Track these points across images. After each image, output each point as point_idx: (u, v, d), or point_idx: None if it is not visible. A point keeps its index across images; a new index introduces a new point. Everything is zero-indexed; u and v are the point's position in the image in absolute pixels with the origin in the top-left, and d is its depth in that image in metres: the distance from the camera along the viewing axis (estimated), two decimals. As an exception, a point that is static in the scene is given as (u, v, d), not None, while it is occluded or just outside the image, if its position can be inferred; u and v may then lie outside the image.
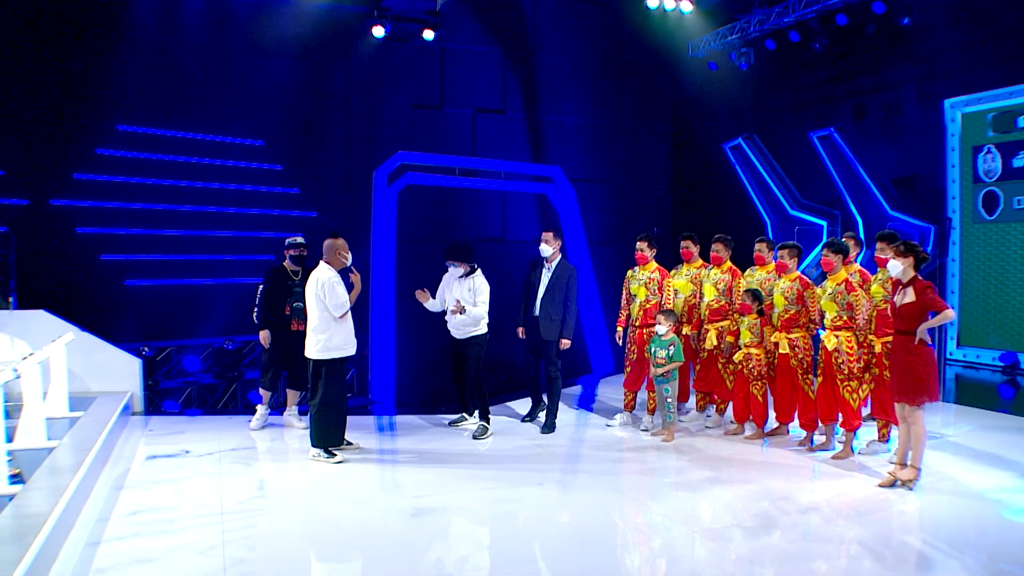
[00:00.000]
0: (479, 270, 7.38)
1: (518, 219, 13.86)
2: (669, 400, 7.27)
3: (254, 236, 11.14)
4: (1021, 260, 9.66)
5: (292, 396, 7.82)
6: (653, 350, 7.35)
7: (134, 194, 10.13)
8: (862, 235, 11.68)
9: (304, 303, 7.41)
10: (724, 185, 13.69)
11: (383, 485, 6.01)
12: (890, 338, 6.39)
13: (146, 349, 9.23)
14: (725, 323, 7.65)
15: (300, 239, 7.75)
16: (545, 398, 7.86)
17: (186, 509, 5.34)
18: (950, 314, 5.54)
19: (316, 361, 6.45)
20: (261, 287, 7.62)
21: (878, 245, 6.56)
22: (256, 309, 7.61)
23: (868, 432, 6.96)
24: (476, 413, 7.50)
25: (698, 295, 7.87)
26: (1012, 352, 9.67)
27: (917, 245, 5.75)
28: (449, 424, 7.75)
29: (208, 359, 10.07)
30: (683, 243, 8.05)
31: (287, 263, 7.67)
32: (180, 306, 10.34)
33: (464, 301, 7.20)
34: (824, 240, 12.05)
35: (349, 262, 6.72)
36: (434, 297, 7.55)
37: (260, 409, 7.67)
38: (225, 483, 5.92)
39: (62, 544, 4.43)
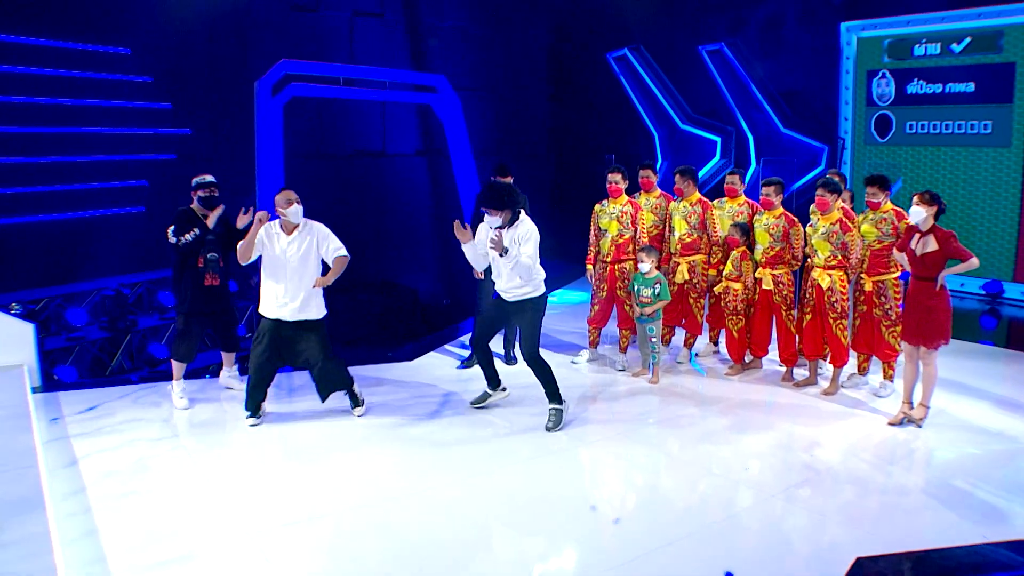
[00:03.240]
0: (523, 215, 5.78)
1: (399, 131, 12.76)
2: (654, 340, 7.03)
3: (124, 160, 9.40)
4: (912, 181, 10.18)
5: (228, 358, 6.83)
6: (637, 288, 7.02)
7: (-25, 113, 8.09)
8: (752, 153, 11.88)
9: (220, 253, 6.32)
10: (609, 96, 13.32)
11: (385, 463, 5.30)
12: (882, 277, 6.47)
13: (16, 307, 7.55)
14: (698, 257, 7.44)
15: (210, 177, 6.47)
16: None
17: (195, 535, 4.40)
18: (975, 262, 5.61)
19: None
20: (173, 227, 6.28)
21: (868, 189, 6.51)
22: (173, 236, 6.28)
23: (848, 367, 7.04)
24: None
25: (663, 227, 7.59)
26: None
27: (939, 195, 5.72)
28: (472, 404, 6.33)
29: (93, 308, 8.45)
30: (642, 172, 7.76)
31: (196, 206, 6.41)
32: (48, 248, 8.55)
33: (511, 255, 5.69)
34: (717, 157, 12.14)
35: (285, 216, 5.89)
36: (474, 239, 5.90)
37: (176, 386, 6.44)
38: (219, 488, 4.97)
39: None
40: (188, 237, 6.21)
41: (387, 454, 5.52)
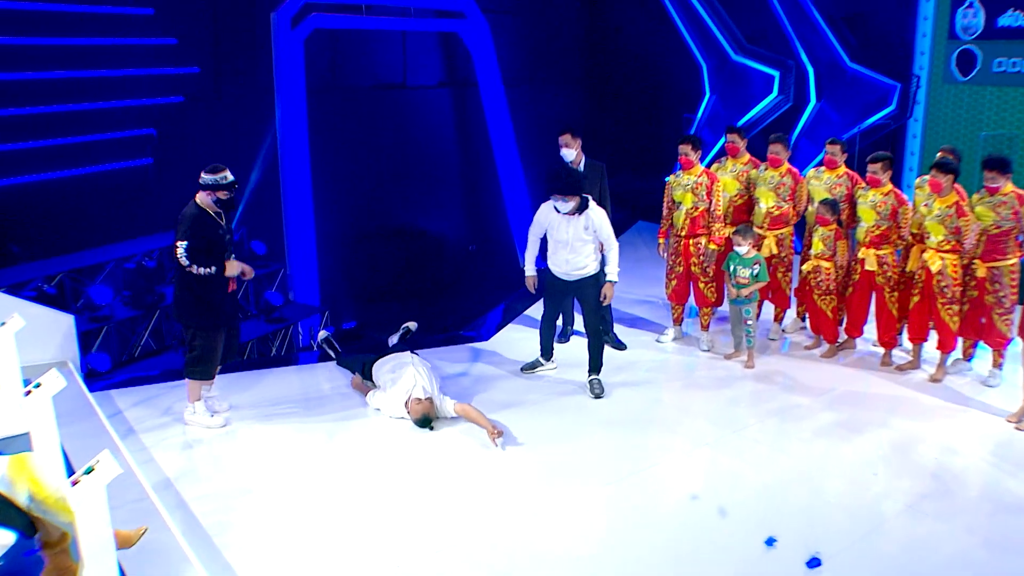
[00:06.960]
0: (591, 201, 6.31)
1: (421, 61, 12.22)
2: (750, 323, 6.99)
3: (127, 106, 8.90)
4: (993, 127, 9.90)
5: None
6: (733, 268, 6.92)
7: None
8: (812, 89, 11.47)
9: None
10: (650, 24, 12.78)
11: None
12: (997, 263, 6.37)
13: (45, 287, 7.23)
14: (786, 230, 7.29)
15: (228, 175, 5.52)
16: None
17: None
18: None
19: None
20: (186, 243, 5.41)
21: (987, 174, 6.30)
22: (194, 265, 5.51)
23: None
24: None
25: (747, 196, 7.41)
26: None
27: None
28: (521, 370, 6.95)
29: (113, 283, 8.09)
30: (728, 136, 7.67)
31: (208, 204, 5.53)
32: (47, 213, 8.04)
33: (581, 241, 6.30)
34: (775, 93, 11.73)
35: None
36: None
37: (199, 407, 5.82)
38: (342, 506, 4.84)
39: None
40: (211, 270, 5.52)
41: (506, 460, 5.54)
